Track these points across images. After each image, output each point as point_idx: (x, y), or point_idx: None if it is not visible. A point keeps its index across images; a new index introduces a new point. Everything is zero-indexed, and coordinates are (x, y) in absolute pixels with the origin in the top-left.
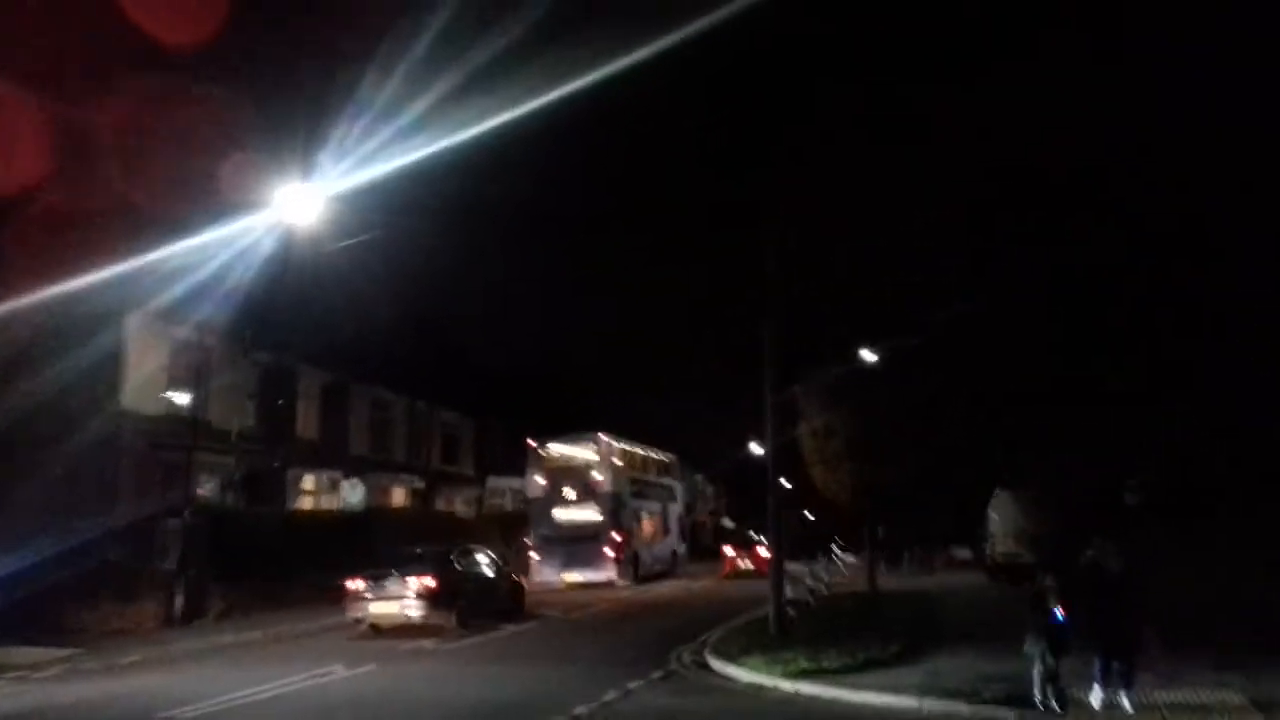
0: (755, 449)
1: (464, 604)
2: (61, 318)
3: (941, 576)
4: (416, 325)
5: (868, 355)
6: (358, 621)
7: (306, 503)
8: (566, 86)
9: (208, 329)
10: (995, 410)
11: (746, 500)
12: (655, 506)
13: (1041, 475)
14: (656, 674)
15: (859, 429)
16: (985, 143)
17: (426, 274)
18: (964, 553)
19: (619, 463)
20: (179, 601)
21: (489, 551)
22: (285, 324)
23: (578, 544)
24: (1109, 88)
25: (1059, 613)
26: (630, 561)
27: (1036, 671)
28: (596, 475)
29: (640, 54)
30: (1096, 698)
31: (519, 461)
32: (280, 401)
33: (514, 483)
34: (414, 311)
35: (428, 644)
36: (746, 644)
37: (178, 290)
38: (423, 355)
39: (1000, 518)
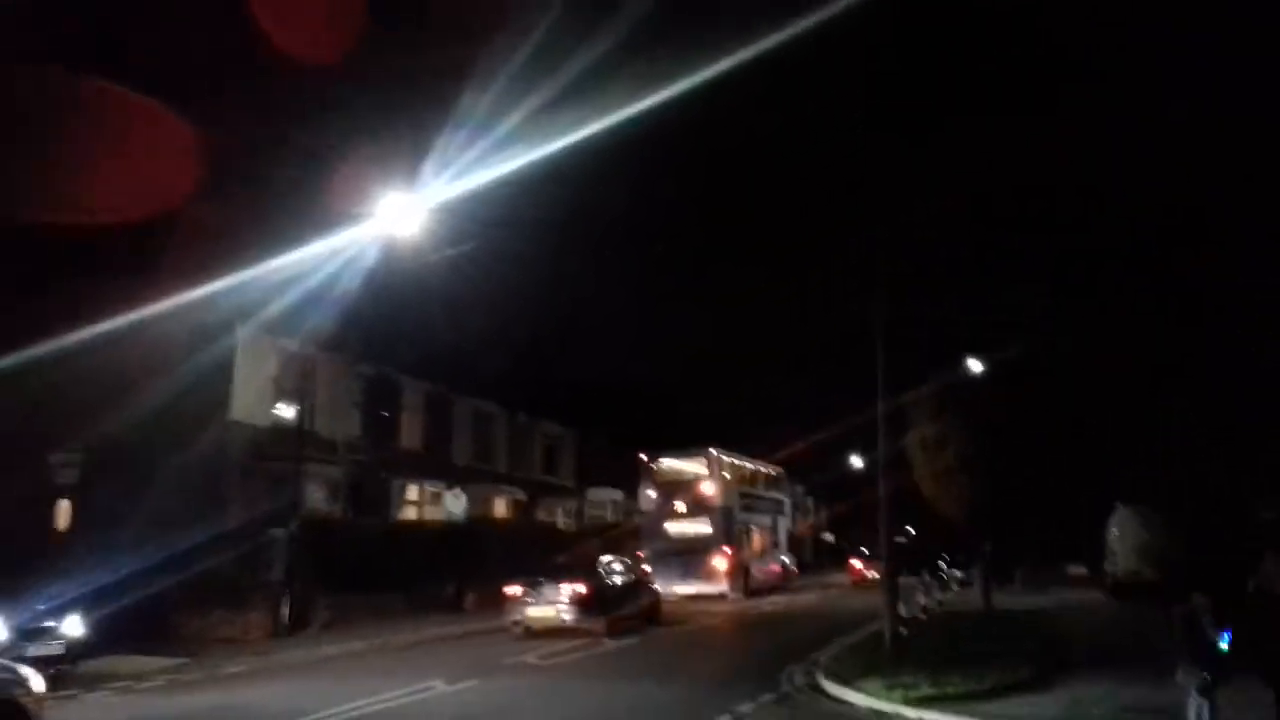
0: (855, 461)
1: (611, 610)
2: (176, 330)
3: (1057, 595)
4: (515, 336)
5: (974, 364)
6: (515, 623)
7: (410, 513)
8: (658, 95)
9: (313, 340)
10: (1113, 422)
11: (846, 513)
12: (765, 520)
13: (1166, 490)
14: (768, 696)
15: (971, 441)
16: (1101, 164)
17: (525, 285)
18: (1079, 570)
19: (729, 476)
20: (285, 612)
21: (628, 562)
22: (388, 335)
23: (690, 556)
24: None
25: (1219, 638)
26: (741, 575)
27: (1192, 705)
28: (707, 489)
29: (735, 60)
30: None
31: (619, 473)
32: (385, 413)
33: (614, 494)
34: (513, 323)
35: (531, 659)
36: (861, 665)
37: (284, 302)
38: (523, 366)
39: (1122, 534)
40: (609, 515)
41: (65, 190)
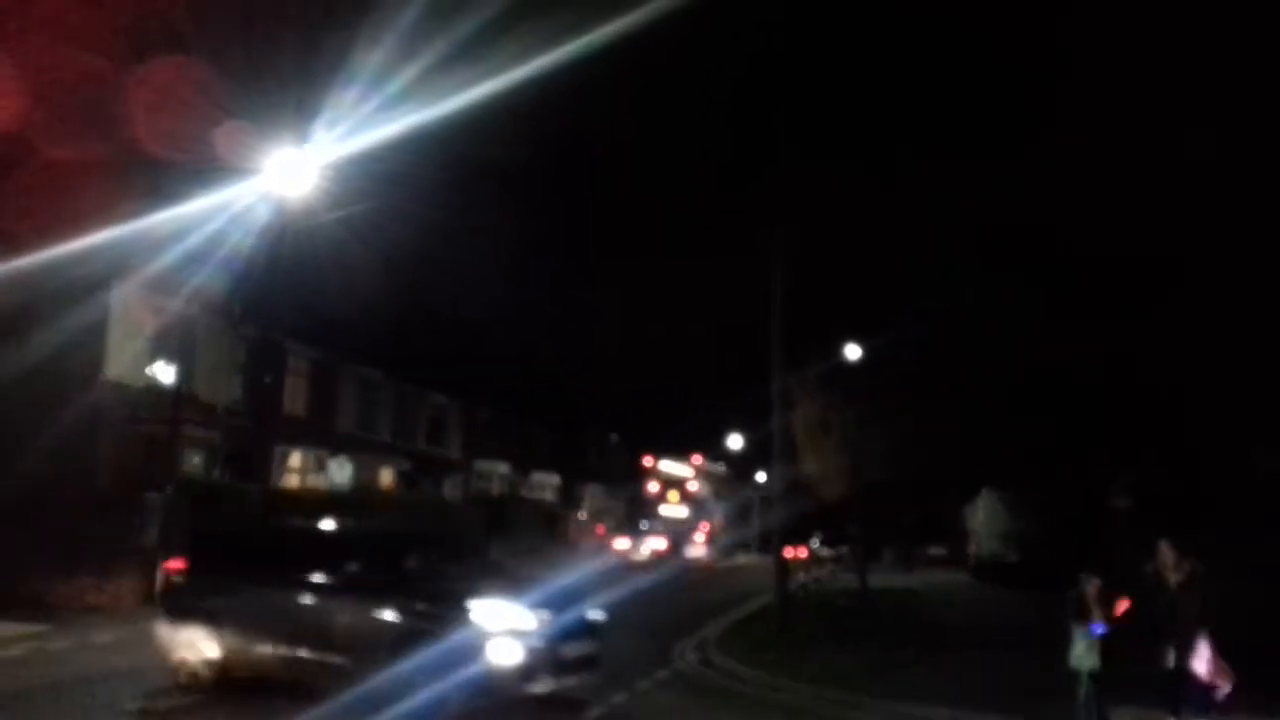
0: (734, 441)
1: (674, 556)
2: (48, 284)
3: (922, 575)
4: (404, 301)
5: (854, 350)
6: (627, 562)
7: (292, 480)
8: (559, 52)
9: (195, 299)
10: (981, 409)
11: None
12: (723, 507)
13: (1027, 476)
14: (663, 673)
15: (855, 423)
16: (986, 151)
17: (415, 249)
18: (939, 551)
19: (705, 477)
20: (159, 579)
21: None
22: (274, 296)
23: (679, 531)
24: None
25: (1101, 624)
26: (712, 545)
27: (1081, 689)
28: (692, 485)
29: (632, 22)
30: None
31: (508, 445)
32: (268, 378)
33: (502, 467)
34: (402, 287)
35: None
36: (751, 642)
37: (165, 258)
38: (410, 333)
39: (986, 518)
40: (496, 489)
41: None
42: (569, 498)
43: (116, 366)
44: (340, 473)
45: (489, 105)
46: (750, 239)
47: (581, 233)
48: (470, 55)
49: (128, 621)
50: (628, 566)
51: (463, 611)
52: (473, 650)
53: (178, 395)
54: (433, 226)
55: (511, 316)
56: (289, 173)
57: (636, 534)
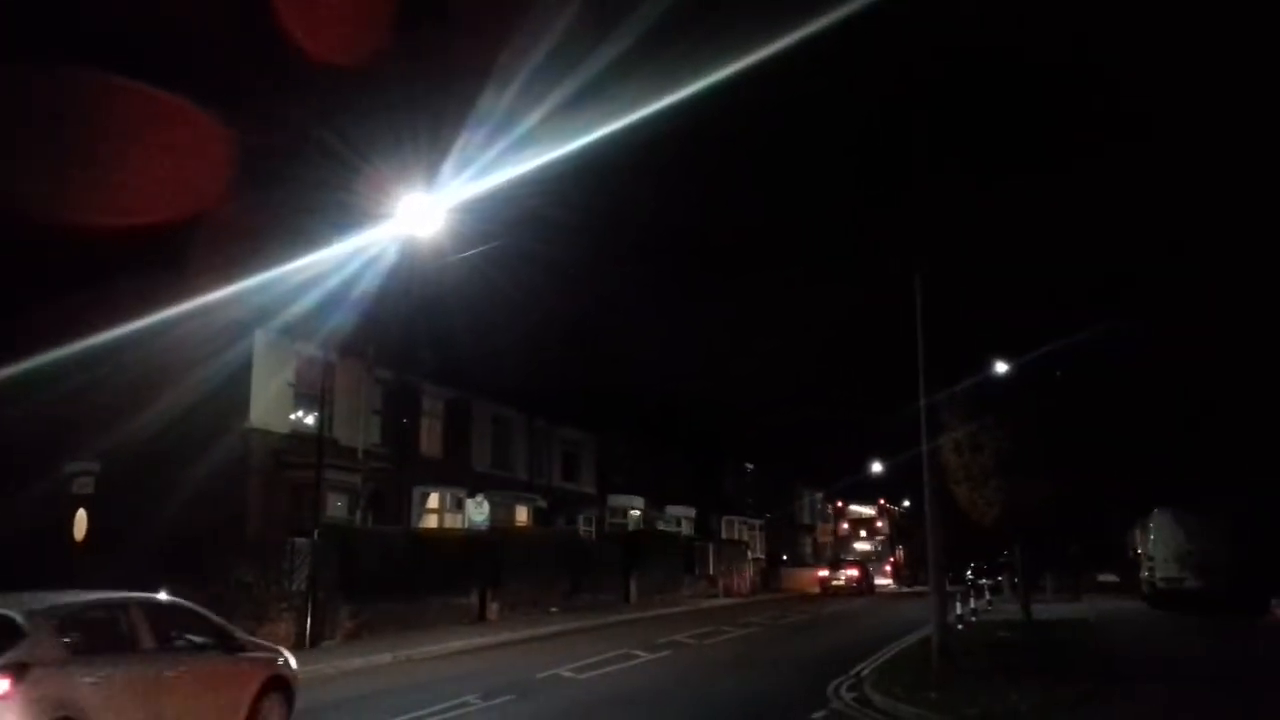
0: (875, 466)
1: (865, 583)
2: (192, 334)
3: (1091, 603)
4: (534, 339)
5: (1002, 366)
6: (824, 587)
7: (431, 521)
8: (681, 92)
9: (332, 345)
10: (1147, 423)
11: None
12: (903, 543)
13: (1206, 493)
14: (819, 714)
15: (1009, 443)
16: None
17: (544, 286)
18: (1109, 577)
19: (888, 516)
20: (308, 623)
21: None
22: (407, 339)
23: (869, 564)
24: None
25: None
26: (899, 575)
27: None
28: (878, 523)
29: (760, 56)
30: None
31: (641, 480)
32: (404, 419)
33: (636, 502)
34: (532, 325)
35: (565, 671)
36: (910, 678)
37: (302, 305)
38: (541, 370)
39: (1161, 539)
40: (630, 523)
41: (90, 192)
42: (705, 530)
43: (260, 413)
44: (478, 512)
45: (615, 143)
46: (883, 261)
47: (704, 263)
48: (594, 96)
49: None
50: (826, 592)
51: None
52: None
53: (321, 439)
54: (558, 265)
55: (641, 350)
56: (420, 215)
57: (835, 564)
